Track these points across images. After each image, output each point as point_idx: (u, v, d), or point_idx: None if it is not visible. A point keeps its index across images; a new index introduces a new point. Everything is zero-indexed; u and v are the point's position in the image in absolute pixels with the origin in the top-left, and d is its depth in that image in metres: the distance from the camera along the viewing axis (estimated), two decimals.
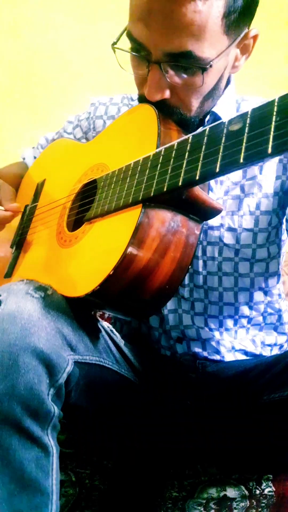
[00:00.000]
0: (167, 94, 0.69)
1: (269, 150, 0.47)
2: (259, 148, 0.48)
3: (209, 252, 0.81)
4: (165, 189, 0.59)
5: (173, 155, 0.60)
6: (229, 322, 0.85)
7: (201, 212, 0.64)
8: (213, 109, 0.76)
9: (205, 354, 0.85)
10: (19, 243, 0.89)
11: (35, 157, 1.09)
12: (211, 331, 0.85)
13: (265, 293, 0.85)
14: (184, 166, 0.57)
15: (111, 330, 0.80)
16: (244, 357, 0.86)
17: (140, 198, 0.61)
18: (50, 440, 0.62)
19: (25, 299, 0.64)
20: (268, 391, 0.75)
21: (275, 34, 1.67)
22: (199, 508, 0.83)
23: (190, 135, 0.59)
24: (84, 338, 0.69)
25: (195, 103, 0.71)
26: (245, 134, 0.50)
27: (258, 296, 0.85)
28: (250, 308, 0.85)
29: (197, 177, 0.55)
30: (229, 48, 0.68)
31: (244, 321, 0.86)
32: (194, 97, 0.71)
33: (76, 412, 0.77)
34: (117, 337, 0.81)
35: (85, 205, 0.76)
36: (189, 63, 0.66)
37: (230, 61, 0.72)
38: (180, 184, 0.57)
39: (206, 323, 0.85)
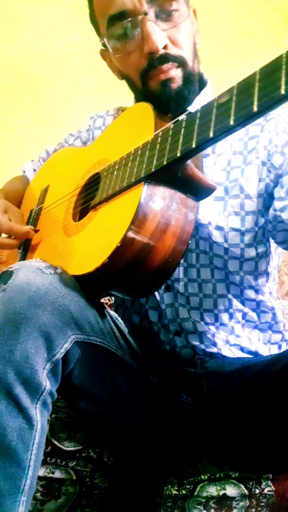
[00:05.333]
0: (167, 40, 0.78)
1: (255, 109, 0.53)
2: (247, 109, 0.54)
3: (202, 246, 0.84)
4: (165, 162, 0.64)
5: (170, 134, 0.66)
6: (224, 317, 0.87)
7: (197, 190, 0.69)
8: (188, 108, 0.80)
9: (202, 346, 0.87)
10: (26, 244, 0.93)
11: (34, 170, 1.15)
12: (207, 325, 0.87)
13: (256, 291, 0.88)
14: (181, 139, 0.63)
15: (116, 318, 0.82)
16: (240, 352, 0.88)
17: (142, 175, 0.66)
18: (37, 415, 0.63)
19: (35, 274, 0.66)
20: (267, 390, 0.75)
21: (274, 30, 1.66)
22: (199, 507, 0.83)
23: (184, 115, 0.65)
24: (91, 319, 0.71)
25: (188, 46, 0.80)
26: (233, 101, 0.57)
27: (249, 293, 0.87)
28: (242, 302, 0.87)
29: (194, 145, 0.60)
30: (189, 6, 0.82)
31: (239, 316, 0.88)
32: (185, 38, 0.80)
33: (80, 398, 0.77)
34: (122, 324, 0.83)
35: (89, 196, 0.81)
36: (171, 5, 0.77)
37: (194, 23, 0.84)
38: (179, 154, 0.62)
39: (202, 317, 0.87)
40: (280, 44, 1.75)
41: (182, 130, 0.64)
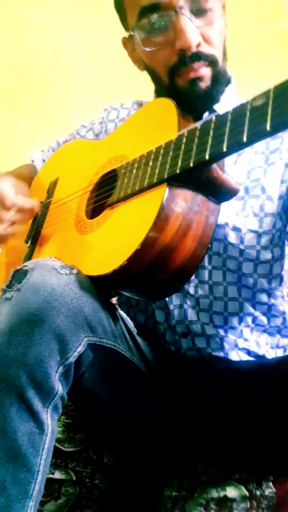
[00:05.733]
0: (200, 37, 0.75)
1: None
2: (284, 115, 0.52)
3: (215, 248, 0.82)
4: (191, 165, 0.61)
5: (197, 135, 0.63)
6: (234, 320, 0.86)
7: (220, 192, 0.67)
8: (214, 107, 0.78)
9: (208, 350, 0.86)
10: (34, 237, 0.90)
11: (44, 160, 1.11)
12: (215, 328, 0.86)
13: (269, 295, 0.87)
14: (210, 141, 0.60)
15: (125, 318, 0.81)
16: (247, 356, 0.87)
17: (166, 176, 0.64)
18: (48, 419, 0.62)
19: (51, 273, 0.65)
20: (270, 392, 0.75)
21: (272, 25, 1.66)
22: (200, 508, 0.83)
23: (212, 116, 0.63)
24: (103, 321, 0.70)
25: (219, 44, 0.78)
26: (270, 105, 0.54)
27: (261, 296, 0.86)
28: (253, 306, 0.86)
29: (225, 149, 0.58)
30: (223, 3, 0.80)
31: (248, 320, 0.87)
32: (218, 36, 0.77)
33: (87, 401, 0.76)
34: (131, 324, 0.81)
35: (104, 194, 0.78)
36: (207, 0, 0.74)
37: (225, 19, 0.81)
38: (207, 157, 0.60)
39: (211, 320, 0.86)
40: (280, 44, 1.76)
41: (211, 132, 0.61)
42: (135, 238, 0.63)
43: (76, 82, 1.76)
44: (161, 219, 0.63)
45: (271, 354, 0.89)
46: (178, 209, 0.64)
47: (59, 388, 0.63)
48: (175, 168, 0.63)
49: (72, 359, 0.64)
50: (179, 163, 0.63)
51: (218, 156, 0.60)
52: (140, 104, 1.00)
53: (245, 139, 0.56)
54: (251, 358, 0.87)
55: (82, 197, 0.84)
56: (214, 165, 0.64)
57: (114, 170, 0.78)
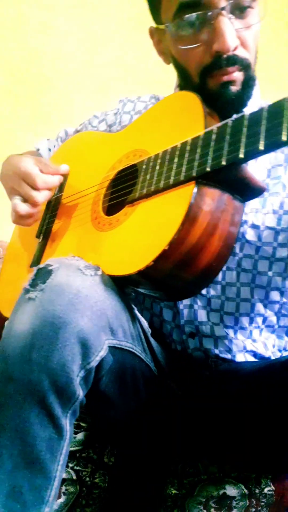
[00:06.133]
0: (238, 40, 0.73)
1: None
2: None
3: None
4: (224, 163, 0.59)
5: (228, 132, 0.61)
6: (245, 321, 0.86)
7: (247, 191, 0.65)
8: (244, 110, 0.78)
9: (216, 351, 0.86)
10: (46, 232, 0.88)
11: (49, 149, 1.07)
12: (225, 328, 0.85)
13: (281, 293, 0.86)
14: (244, 139, 0.58)
15: (141, 319, 0.79)
16: (253, 359, 0.87)
17: (195, 174, 0.62)
18: (67, 424, 0.61)
19: (76, 274, 0.63)
20: (274, 392, 0.75)
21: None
22: (199, 506, 0.84)
23: (244, 113, 0.60)
24: (124, 323, 0.69)
25: (254, 49, 0.76)
26: None
27: (274, 295, 0.86)
28: (265, 306, 0.86)
29: (262, 147, 0.56)
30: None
31: (259, 321, 0.87)
32: (254, 40, 0.75)
33: (100, 403, 0.75)
34: (146, 325, 0.80)
35: (123, 190, 0.75)
36: (250, 3, 0.72)
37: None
38: (242, 156, 0.58)
39: (221, 320, 0.85)
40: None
41: (244, 129, 0.59)
42: (162, 238, 0.61)
43: (77, 81, 1.75)
44: (190, 218, 0.61)
45: (277, 356, 0.89)
46: (206, 208, 0.62)
47: (80, 393, 0.61)
48: (204, 166, 0.61)
49: (94, 363, 0.62)
50: (209, 161, 0.61)
51: (253, 154, 0.58)
52: (157, 99, 0.97)
53: (284, 137, 0.54)
54: (256, 360, 0.88)
55: (98, 192, 0.81)
56: (244, 164, 0.62)
57: (133, 166, 0.75)
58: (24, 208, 0.80)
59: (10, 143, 1.69)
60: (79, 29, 1.69)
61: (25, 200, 0.81)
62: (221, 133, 0.62)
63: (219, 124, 0.63)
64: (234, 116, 0.61)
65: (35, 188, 0.80)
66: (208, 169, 0.61)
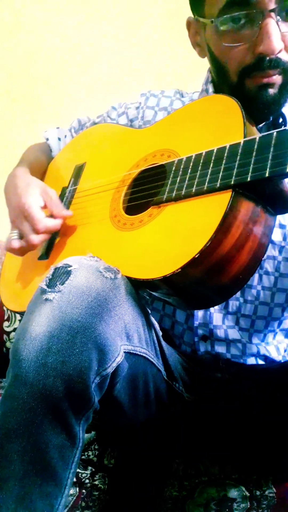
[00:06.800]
0: (282, 44, 0.70)
1: None
2: None
3: None
4: (267, 175, 0.57)
5: (273, 143, 0.58)
6: (260, 323, 0.84)
7: (280, 204, 0.63)
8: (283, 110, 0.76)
9: (228, 356, 0.84)
10: None
11: (59, 139, 1.04)
12: (240, 331, 0.84)
13: None
14: None
15: (154, 322, 0.78)
16: (263, 362, 0.86)
17: (232, 183, 0.60)
18: (80, 431, 0.59)
19: (95, 276, 0.61)
20: (277, 395, 0.75)
21: None
22: (200, 508, 0.83)
23: None
24: (139, 328, 0.67)
25: None
26: None
27: None
28: (284, 310, 0.84)
29: None
30: None
31: (275, 324, 0.85)
32: None
33: (110, 409, 0.73)
34: (158, 328, 0.78)
35: (147, 190, 0.73)
36: None
37: None
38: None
39: (237, 322, 0.83)
40: None
41: None
42: (192, 245, 0.59)
43: (76, 81, 1.74)
44: (223, 227, 0.58)
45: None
46: (240, 218, 0.60)
47: (95, 400, 0.60)
48: (245, 176, 0.59)
49: (110, 369, 0.61)
50: (250, 171, 0.58)
51: None
52: (181, 94, 0.94)
53: None
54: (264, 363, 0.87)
55: (118, 190, 0.78)
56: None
57: (161, 166, 0.72)
58: (19, 244, 0.80)
59: (9, 143, 1.69)
60: (79, 29, 1.68)
61: (22, 237, 0.81)
62: (265, 144, 0.59)
63: (263, 134, 0.61)
64: (282, 128, 0.59)
65: (35, 231, 0.78)
66: (248, 179, 0.58)
